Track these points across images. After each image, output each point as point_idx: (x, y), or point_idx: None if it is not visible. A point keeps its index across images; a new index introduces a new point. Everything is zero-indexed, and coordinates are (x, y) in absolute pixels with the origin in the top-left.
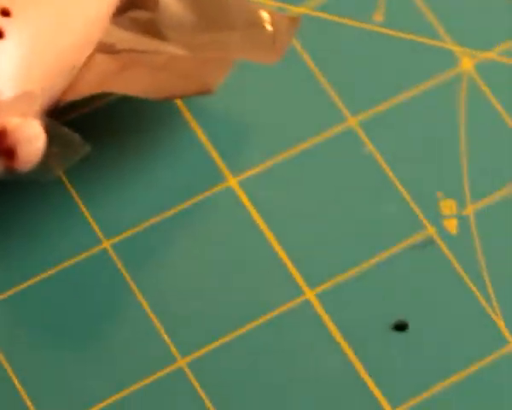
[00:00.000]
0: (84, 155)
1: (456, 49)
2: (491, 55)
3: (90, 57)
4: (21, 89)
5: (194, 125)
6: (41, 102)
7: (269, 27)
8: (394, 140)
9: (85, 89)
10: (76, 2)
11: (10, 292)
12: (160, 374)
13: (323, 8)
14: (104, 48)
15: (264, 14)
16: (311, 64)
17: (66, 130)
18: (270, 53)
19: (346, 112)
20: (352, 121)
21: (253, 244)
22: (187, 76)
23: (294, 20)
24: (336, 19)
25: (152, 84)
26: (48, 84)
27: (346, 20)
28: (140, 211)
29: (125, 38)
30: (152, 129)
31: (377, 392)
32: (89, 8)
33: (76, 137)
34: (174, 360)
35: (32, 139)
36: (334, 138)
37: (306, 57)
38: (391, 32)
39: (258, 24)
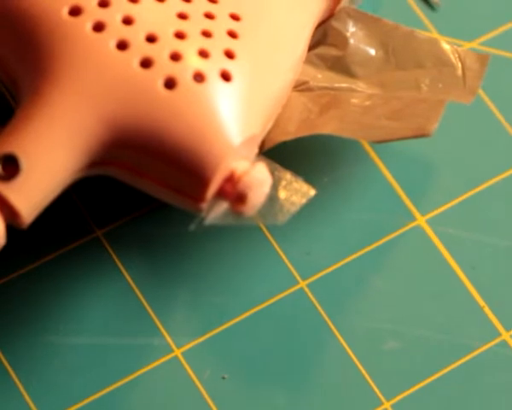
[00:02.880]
0: (309, 198)
1: None
2: None
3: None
4: (247, 133)
5: (380, 165)
6: (259, 142)
7: (459, 66)
8: None
9: (293, 130)
10: (288, 42)
11: (215, 331)
12: None
13: (492, 43)
14: (298, 85)
15: (454, 53)
16: (488, 102)
17: (289, 173)
18: (462, 93)
19: None
20: None
21: (445, 281)
22: (398, 118)
23: (484, 58)
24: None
25: (361, 125)
26: (264, 126)
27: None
28: (332, 251)
29: (317, 76)
30: (339, 170)
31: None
32: (297, 48)
33: (300, 180)
34: (380, 403)
35: (260, 183)
36: None
37: (482, 94)
38: None
39: (447, 63)
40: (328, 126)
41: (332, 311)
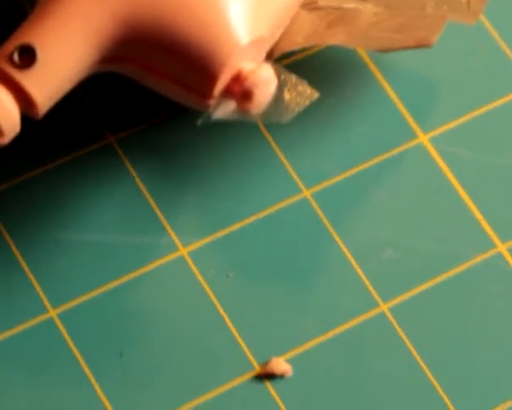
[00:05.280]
0: (312, 100)
1: None
2: None
3: (296, 14)
4: (255, 33)
5: (384, 83)
6: (267, 48)
7: None
8: None
9: (301, 41)
10: None
11: (221, 233)
12: (362, 317)
13: None
14: (307, 4)
15: None
16: (490, 29)
17: (294, 76)
18: (465, 16)
19: None
20: None
21: (444, 196)
22: (402, 31)
23: None
24: None
25: (367, 37)
26: (272, 31)
27: None
28: (336, 163)
29: None
30: (346, 90)
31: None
32: None
33: (305, 82)
34: (376, 304)
35: (266, 82)
36: None
37: (484, 20)
38: None
39: None
40: (334, 38)
41: (334, 219)
